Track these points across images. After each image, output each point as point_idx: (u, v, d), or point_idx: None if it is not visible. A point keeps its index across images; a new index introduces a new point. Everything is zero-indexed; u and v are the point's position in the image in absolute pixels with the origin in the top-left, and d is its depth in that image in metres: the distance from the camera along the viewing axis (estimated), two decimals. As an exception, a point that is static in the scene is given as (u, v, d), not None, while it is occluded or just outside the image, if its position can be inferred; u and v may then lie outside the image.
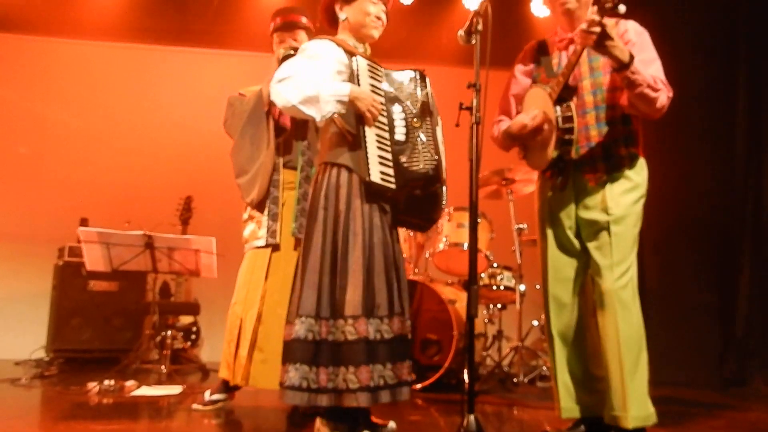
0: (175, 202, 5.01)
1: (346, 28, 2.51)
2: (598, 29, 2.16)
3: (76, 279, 4.86)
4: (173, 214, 4.96)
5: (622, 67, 2.24)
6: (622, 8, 2.14)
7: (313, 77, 2.26)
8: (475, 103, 2.29)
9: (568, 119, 2.38)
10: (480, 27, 2.34)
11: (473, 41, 2.35)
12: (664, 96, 2.32)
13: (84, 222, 4.95)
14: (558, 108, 2.38)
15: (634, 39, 2.41)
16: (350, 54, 2.39)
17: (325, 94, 2.22)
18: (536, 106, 2.47)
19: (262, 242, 3.02)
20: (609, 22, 2.21)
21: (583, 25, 2.19)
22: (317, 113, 2.23)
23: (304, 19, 3.15)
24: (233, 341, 2.99)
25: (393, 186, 2.28)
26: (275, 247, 3.01)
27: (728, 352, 4.41)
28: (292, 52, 2.81)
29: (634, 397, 2.29)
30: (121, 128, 5.76)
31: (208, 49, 5.93)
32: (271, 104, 2.99)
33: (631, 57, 2.23)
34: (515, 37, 5.82)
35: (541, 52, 2.62)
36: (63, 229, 5.06)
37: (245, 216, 3.16)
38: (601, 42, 2.19)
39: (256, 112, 3.02)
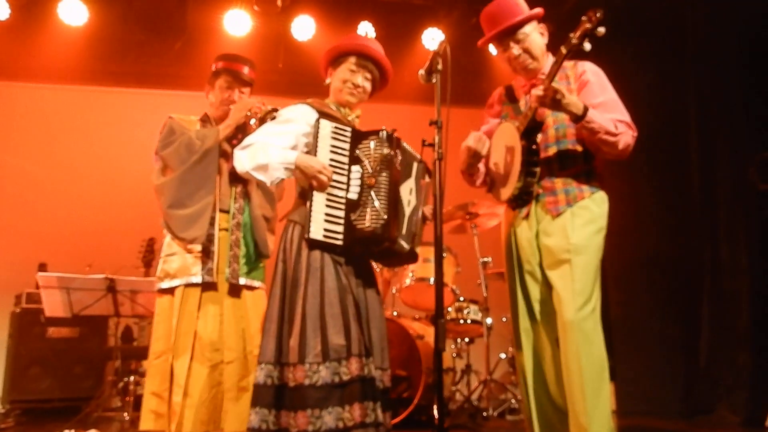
0: (138, 245, 4.93)
1: (330, 91, 2.67)
2: (550, 95, 2.29)
3: (34, 326, 4.71)
4: (136, 257, 4.88)
5: (577, 119, 2.36)
6: (587, 46, 2.25)
7: (270, 146, 2.45)
8: (437, 140, 2.34)
9: (534, 152, 2.46)
10: (440, 66, 2.41)
11: (434, 80, 2.42)
12: (627, 137, 2.43)
13: (43, 267, 4.83)
14: (524, 141, 2.46)
15: (592, 79, 2.51)
16: (324, 116, 2.50)
17: (274, 162, 2.43)
18: (503, 140, 2.57)
19: (197, 279, 2.91)
20: (567, 63, 2.29)
21: (538, 90, 2.32)
22: (267, 179, 2.45)
23: (246, 69, 3.18)
24: (165, 390, 2.84)
25: (340, 243, 2.40)
26: (207, 287, 2.93)
27: (692, 382, 4.46)
28: (275, 115, 2.80)
29: (596, 428, 2.29)
30: (81, 171, 5.69)
31: (168, 90, 5.92)
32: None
33: (585, 108, 2.34)
34: (474, 75, 6.02)
35: (508, 95, 2.73)
36: (21, 275, 4.94)
37: (171, 250, 3.00)
38: (555, 103, 2.32)
39: (214, 154, 3.00)
